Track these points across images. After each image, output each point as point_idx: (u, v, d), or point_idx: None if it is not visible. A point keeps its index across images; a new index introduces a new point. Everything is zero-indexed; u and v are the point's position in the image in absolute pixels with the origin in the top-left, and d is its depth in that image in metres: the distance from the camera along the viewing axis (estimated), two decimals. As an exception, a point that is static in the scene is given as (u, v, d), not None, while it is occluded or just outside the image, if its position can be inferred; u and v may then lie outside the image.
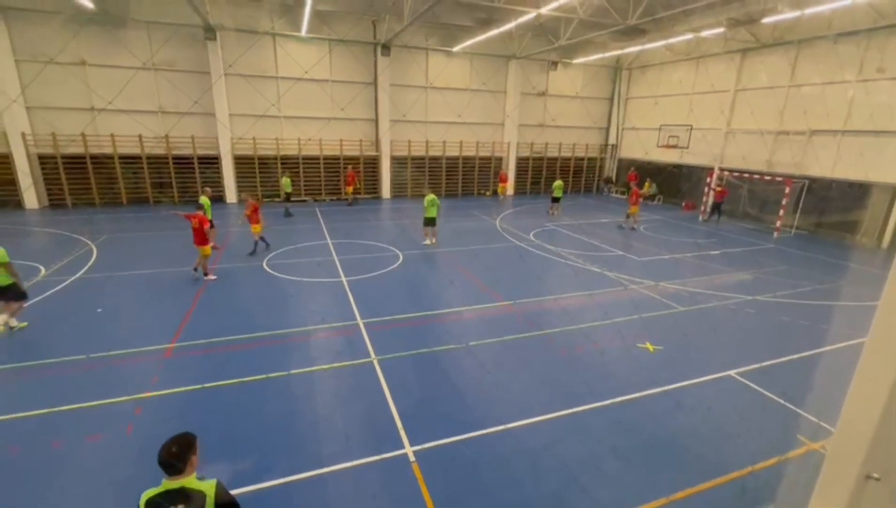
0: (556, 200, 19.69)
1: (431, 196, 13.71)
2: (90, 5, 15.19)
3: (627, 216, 17.26)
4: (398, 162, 22.97)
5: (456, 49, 21.24)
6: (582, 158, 27.11)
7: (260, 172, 20.57)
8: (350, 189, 20.64)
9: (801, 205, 17.46)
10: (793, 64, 17.84)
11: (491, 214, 19.73)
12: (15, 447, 5.01)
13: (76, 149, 17.89)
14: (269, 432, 5.41)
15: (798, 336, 8.46)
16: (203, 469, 2.85)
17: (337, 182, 21.99)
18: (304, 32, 18.90)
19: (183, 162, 19.41)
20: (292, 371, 6.69)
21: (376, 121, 21.89)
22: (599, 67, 25.71)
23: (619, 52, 21.52)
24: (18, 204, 17.52)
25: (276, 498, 4.42)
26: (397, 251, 13.17)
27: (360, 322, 8.41)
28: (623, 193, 26.63)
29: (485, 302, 9.66)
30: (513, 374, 6.93)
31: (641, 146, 25.92)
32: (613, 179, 27.73)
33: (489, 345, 7.75)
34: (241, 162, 20.25)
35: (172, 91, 18.64)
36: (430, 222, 13.77)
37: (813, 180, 17.30)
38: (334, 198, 22.04)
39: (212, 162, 19.80)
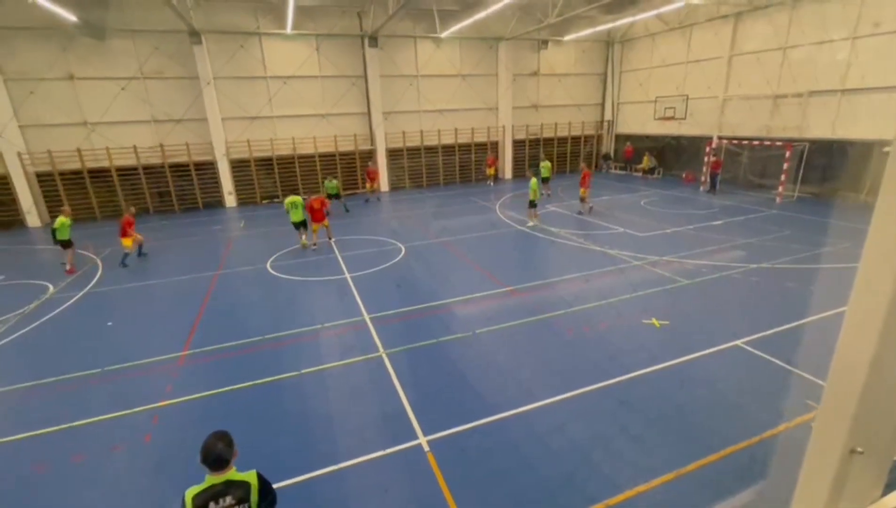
0: (545, 180, 19.53)
1: (293, 198, 12.91)
2: (72, 18, 15.06)
3: (581, 200, 16.20)
4: (394, 154, 22.87)
5: (444, 35, 20.95)
6: (578, 137, 26.85)
7: (257, 174, 20.55)
8: (370, 185, 20.69)
9: (802, 169, 17.28)
10: (787, 25, 17.50)
11: (490, 199, 19.68)
12: (40, 464, 5.14)
13: (73, 165, 17.93)
14: (284, 431, 5.52)
15: (804, 301, 8.46)
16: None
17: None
18: (289, 29, 18.70)
19: (180, 169, 19.42)
20: (303, 371, 6.79)
21: (369, 114, 21.75)
22: (591, 42, 25.31)
23: (609, 25, 21.13)
24: (21, 224, 17.64)
25: (295, 496, 4.53)
26: (399, 244, 13.20)
27: (367, 318, 8.49)
28: (622, 168, 26.44)
29: (488, 289, 9.70)
30: (520, 359, 7.00)
31: (638, 120, 25.64)
32: (612, 155, 27.50)
33: (495, 332, 7.81)
34: (238, 165, 20.23)
35: (163, 99, 18.57)
36: (301, 225, 13.05)
37: (813, 143, 17.09)
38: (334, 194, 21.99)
39: (208, 167, 19.80)
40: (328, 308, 9.03)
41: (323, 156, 21.47)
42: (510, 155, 25.27)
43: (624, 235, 13.38)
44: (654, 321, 7.88)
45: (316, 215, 12.90)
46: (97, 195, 18.48)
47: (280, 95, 20.18)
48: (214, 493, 2.72)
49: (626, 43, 25.60)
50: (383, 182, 22.84)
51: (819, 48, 16.66)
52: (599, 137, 27.64)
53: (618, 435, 5.21)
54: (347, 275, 10.84)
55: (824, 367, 1.50)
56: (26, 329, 8.58)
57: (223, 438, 2.78)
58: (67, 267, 11.79)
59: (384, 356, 7.13)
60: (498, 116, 24.53)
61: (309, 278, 10.76)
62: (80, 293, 10.32)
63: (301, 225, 13.08)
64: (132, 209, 12.75)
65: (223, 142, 19.55)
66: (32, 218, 17.76)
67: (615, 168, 27.11)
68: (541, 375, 6.51)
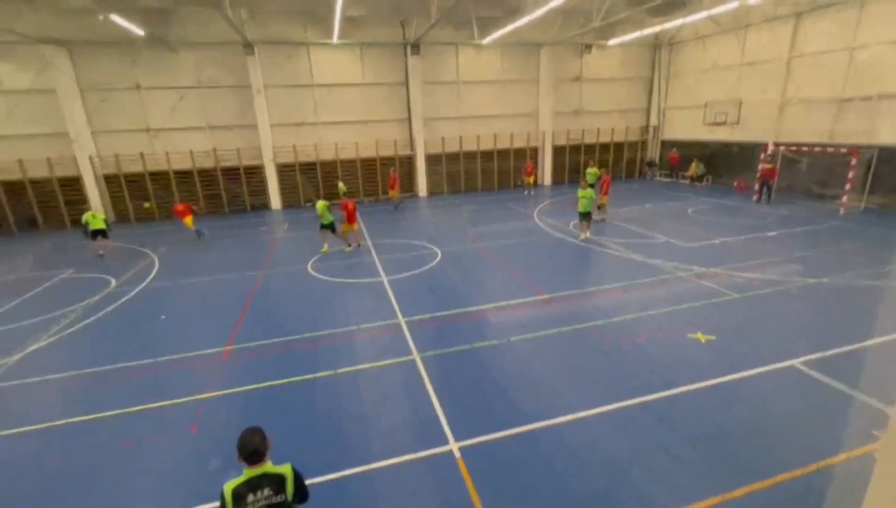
0: (591, 186, 18.97)
1: (322, 202, 13.27)
2: (140, 32, 16.28)
3: (599, 207, 15.45)
4: (433, 159, 23.10)
5: (485, 41, 21.01)
6: (622, 143, 26.10)
7: (301, 178, 21.31)
8: (393, 192, 20.45)
9: (870, 177, 15.98)
10: (855, 23, 16.30)
11: (528, 206, 19.46)
12: (95, 447, 5.51)
13: (136, 168, 19.28)
14: (318, 429, 5.65)
15: (869, 322, 7.80)
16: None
17: (374, 183, 22.42)
18: (335, 39, 19.34)
19: (230, 173, 20.46)
20: (339, 371, 6.94)
21: (409, 120, 22.10)
22: (637, 46, 24.60)
23: (657, 28, 20.45)
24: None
25: (326, 494, 4.61)
26: (435, 249, 13.28)
27: (402, 321, 8.57)
28: (668, 175, 25.45)
29: (525, 296, 9.56)
30: (556, 369, 6.84)
31: (685, 126, 24.63)
32: (657, 162, 26.54)
33: (531, 340, 7.69)
34: (283, 169, 21.07)
35: (217, 107, 19.68)
36: (326, 227, 13.29)
37: (883, 149, 15.78)
38: (372, 199, 22.49)
39: (256, 171, 20.74)
40: (365, 310, 9.20)
41: (364, 161, 21.99)
42: (550, 161, 24.92)
43: (668, 244, 12.85)
44: (699, 335, 7.50)
45: (350, 216, 13.37)
46: (156, 197, 19.77)
47: (324, 102, 20.89)
48: (252, 485, 2.83)
49: (674, 46, 24.72)
50: (422, 187, 23.10)
51: (891, 48, 15.41)
52: (644, 143, 26.75)
53: (656, 453, 4.98)
54: (384, 278, 11.01)
55: (890, 394, 1.37)
56: (90, 320, 9.27)
57: (258, 432, 2.89)
58: (101, 253, 13.90)
59: (418, 359, 7.17)
60: (538, 121, 24.28)
61: (347, 280, 11.02)
62: (138, 288, 11.04)
63: (329, 228, 13.32)
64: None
65: (271, 147, 20.44)
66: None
67: (660, 175, 26.13)
68: (577, 386, 6.34)
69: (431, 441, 5.29)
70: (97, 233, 13.68)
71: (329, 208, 13.24)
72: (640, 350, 7.20)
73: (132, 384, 6.85)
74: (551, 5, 14.97)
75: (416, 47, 20.84)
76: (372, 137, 21.90)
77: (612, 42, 22.81)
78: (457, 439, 5.31)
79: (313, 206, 18.28)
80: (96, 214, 13.97)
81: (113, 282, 11.53)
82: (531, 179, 22.39)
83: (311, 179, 21.50)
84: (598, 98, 25.07)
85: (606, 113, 25.43)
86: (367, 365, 7.10)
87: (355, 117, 21.46)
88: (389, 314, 8.90)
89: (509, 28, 18.55)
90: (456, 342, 7.68)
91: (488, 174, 24.22)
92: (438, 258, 12.43)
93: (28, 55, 17.31)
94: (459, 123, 23.08)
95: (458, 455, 5.07)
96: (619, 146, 26.08)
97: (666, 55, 25.06)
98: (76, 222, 18.71)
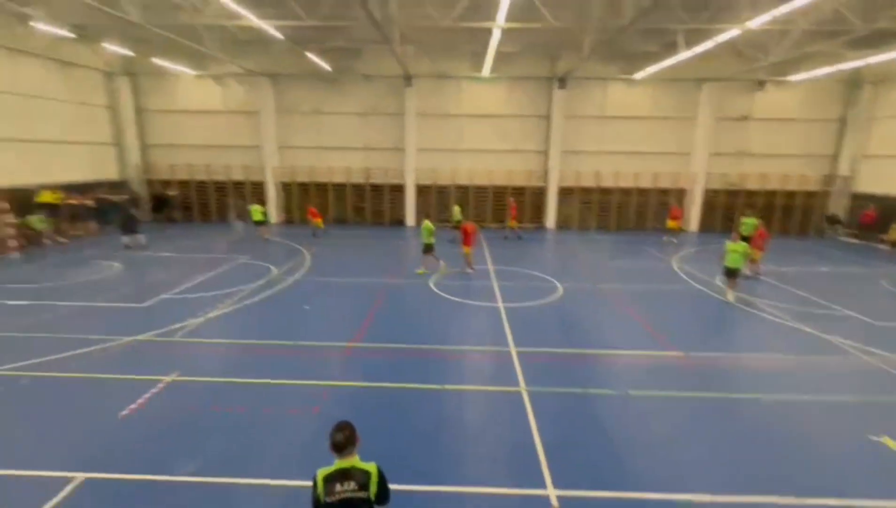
0: (744, 239, 16.52)
1: (428, 223, 13.60)
2: (328, 67, 19.44)
3: (751, 262, 13.34)
4: (565, 192, 22.64)
5: (638, 76, 20.13)
6: (794, 192, 22.29)
7: (437, 200, 22.74)
8: (513, 222, 20.04)
9: None
10: None
11: (667, 251, 17.73)
12: (241, 406, 6.50)
13: (303, 178, 22.75)
14: (417, 438, 5.82)
15: None
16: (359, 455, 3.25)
17: (503, 211, 22.80)
18: (485, 73, 20.48)
19: (376, 189, 22.82)
20: (446, 386, 7.10)
21: (546, 152, 22.11)
22: (826, 82, 21.03)
23: (857, 63, 17.26)
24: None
25: (408, 502, 4.71)
26: (556, 283, 12.88)
27: (513, 350, 8.45)
28: (857, 236, 20.89)
29: (651, 349, 8.67)
30: (680, 436, 6.01)
31: (891, 178, 20.03)
32: (841, 218, 21.99)
33: (653, 398, 6.91)
34: (421, 190, 22.74)
35: (374, 130, 22.28)
36: (427, 249, 13.64)
37: None
38: (499, 225, 22.86)
39: (398, 190, 22.76)
40: (477, 332, 9.31)
41: (496, 189, 22.55)
42: (699, 206, 22.45)
43: (850, 318, 10.47)
44: (886, 439, 5.89)
45: (467, 239, 13.56)
46: (316, 204, 22.97)
47: (466, 131, 22.13)
48: (341, 476, 3.03)
49: (879, 84, 20.52)
50: (550, 219, 22.74)
51: None
52: (825, 195, 22.44)
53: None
54: (500, 304, 11.03)
55: None
56: (253, 300, 11.06)
57: (348, 427, 3.11)
58: (266, 236, 18.25)
59: (524, 392, 6.97)
60: (690, 161, 22.17)
61: (465, 300, 11.30)
62: (291, 280, 12.85)
63: (429, 250, 13.64)
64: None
65: (413, 170, 22.29)
66: (274, 217, 23.07)
67: (845, 235, 21.58)
68: (704, 464, 5.47)
69: (528, 481, 5.06)
70: (258, 224, 18.42)
71: (433, 232, 13.60)
72: (799, 440, 5.94)
73: (275, 360, 7.94)
74: (720, 39, 13.76)
75: (562, 81, 20.93)
76: (506, 166, 22.42)
77: (796, 78, 19.88)
78: (556, 485, 4.98)
79: (456, 228, 19.31)
80: (257, 208, 18.51)
81: (274, 270, 13.63)
82: (675, 224, 19.75)
83: (442, 202, 22.78)
84: (768, 140, 21.94)
85: (778, 157, 22.07)
86: (472, 387, 7.14)
87: (493, 147, 22.26)
88: (501, 341, 8.85)
89: (667, 63, 17.51)
90: (567, 382, 7.28)
91: (625, 212, 22.80)
92: (559, 293, 12.02)
93: (245, 84, 21.90)
94: (598, 157, 22.31)
95: (555, 503, 4.75)
96: (789, 195, 22.31)
97: (869, 94, 20.92)
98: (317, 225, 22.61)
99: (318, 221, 19.74)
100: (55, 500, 4.64)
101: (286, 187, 23.00)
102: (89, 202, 19.28)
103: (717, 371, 7.87)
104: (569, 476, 5.13)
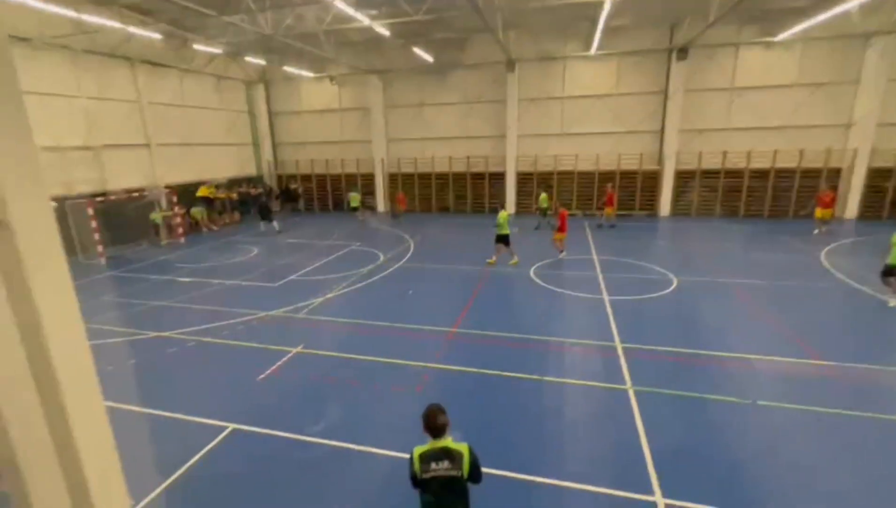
0: None
1: (504, 213, 13.20)
2: (430, 59, 19.96)
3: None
4: (684, 176, 20.47)
5: (779, 37, 17.24)
6: None
7: (537, 187, 22.19)
8: (609, 210, 18.77)
9: None
10: None
11: (813, 242, 15.11)
12: (354, 380, 7.15)
13: (409, 169, 23.82)
14: (515, 426, 5.85)
15: None
16: (453, 435, 3.38)
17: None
18: (593, 51, 19.26)
19: (477, 177, 23.01)
20: (545, 378, 7.00)
21: (661, 132, 20.16)
22: None
23: None
24: (373, 210, 24.68)
25: (502, 488, 4.76)
26: (671, 275, 11.80)
27: (619, 345, 7.99)
28: None
29: (787, 355, 7.53)
30: (822, 460, 5.18)
31: None
32: None
33: (787, 411, 6.02)
34: (522, 177, 22.36)
35: (474, 119, 22.39)
36: (501, 239, 13.12)
37: None
38: (602, 213, 21.55)
39: (499, 177, 22.66)
40: (580, 325, 8.97)
41: (603, 173, 21.24)
42: (860, 189, 18.68)
43: None
44: None
45: (562, 225, 13.59)
46: (420, 193, 23.97)
47: (571, 113, 21.12)
48: (435, 455, 3.20)
49: None
50: (664, 206, 20.80)
51: None
52: None
53: None
54: (605, 296, 10.46)
55: None
56: (363, 283, 12.00)
57: (441, 409, 3.26)
58: (362, 218, 20.99)
59: (631, 391, 6.57)
60: (849, 134, 18.50)
61: (566, 291, 10.94)
62: (397, 265, 13.64)
63: (503, 241, 13.12)
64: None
65: (514, 157, 21.98)
66: (382, 207, 24.61)
67: None
68: (859, 496, 4.65)
69: (633, 485, 4.79)
70: (354, 209, 21.66)
71: (508, 221, 13.17)
72: None
73: (383, 340, 8.55)
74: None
75: (683, 52, 18.80)
76: (615, 149, 20.96)
77: None
78: (665, 494, 4.65)
79: (543, 215, 18.89)
80: (355, 196, 21.82)
81: (381, 257, 14.60)
82: (828, 212, 16.09)
83: (548, 188, 22.14)
84: (968, 102, 17.34)
85: (983, 124, 17.35)
86: (574, 381, 6.93)
87: (600, 129, 20.94)
88: (606, 336, 8.42)
89: (822, 17, 14.69)
90: (680, 385, 6.69)
91: (757, 197, 19.92)
92: (673, 287, 11.01)
93: (356, 82, 23.52)
94: (725, 135, 19.71)
95: (663, 511, 4.44)
96: None
97: None
98: (370, 208, 24.38)
99: (402, 207, 21.98)
100: (214, 443, 5.63)
101: (392, 178, 24.33)
102: (234, 196, 22.57)
103: (876, 387, 6.57)
104: (681, 486, 4.75)
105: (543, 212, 19.00)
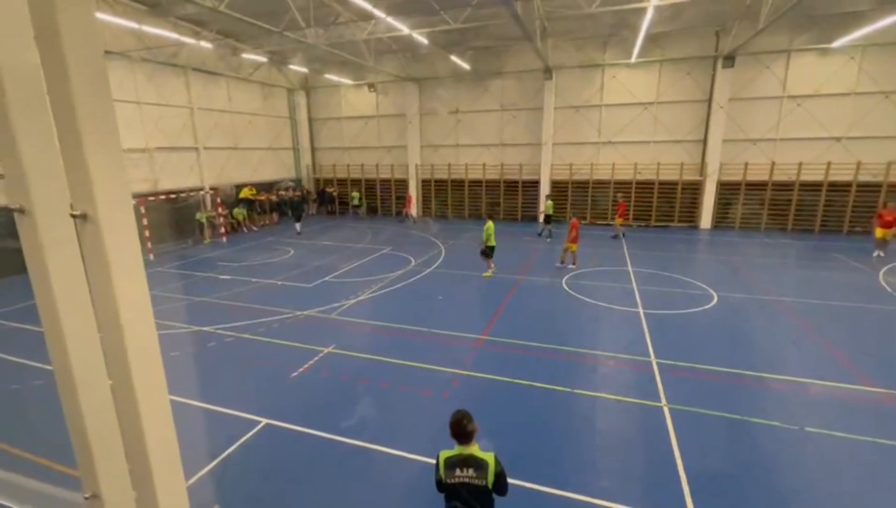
0: None
1: (491, 223, 12.82)
2: (467, 67, 20.12)
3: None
4: (727, 188, 19.67)
5: (836, 44, 16.38)
6: None
7: (572, 196, 21.86)
8: (619, 221, 18.38)
9: None
10: None
11: (869, 262, 14.15)
12: (385, 383, 7.23)
13: (442, 175, 24.00)
14: (545, 438, 5.75)
15: None
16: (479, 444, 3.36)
17: (648, 208, 20.87)
18: (633, 59, 18.88)
19: (511, 186, 22.91)
20: (576, 390, 6.85)
21: (704, 141, 19.48)
22: None
23: None
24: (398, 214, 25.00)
25: (540, 503, 4.66)
26: (711, 291, 11.34)
27: (654, 361, 7.73)
28: None
29: (839, 380, 7.07)
30: (878, 493, 4.81)
31: None
32: None
33: (840, 440, 5.64)
34: (557, 185, 22.07)
35: (511, 127, 22.33)
36: (489, 250, 12.81)
37: None
38: (642, 224, 20.98)
39: (533, 186, 22.48)
40: (613, 338, 8.74)
41: (641, 183, 20.71)
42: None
43: None
44: None
45: (575, 236, 13.21)
46: (452, 200, 24.09)
47: (609, 122, 20.73)
48: (460, 461, 3.19)
49: None
50: (706, 218, 20.03)
51: None
52: None
53: None
54: (641, 310, 10.15)
55: None
56: (393, 287, 12.13)
57: (467, 416, 3.24)
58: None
59: (666, 409, 6.33)
60: (913, 147, 17.27)
61: (600, 303, 10.69)
62: (428, 271, 13.73)
63: (489, 253, 12.80)
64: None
65: (549, 164, 21.75)
66: (415, 212, 24.91)
67: None
68: (918, 535, 4.29)
69: (667, 506, 4.61)
70: (357, 207, 24.66)
71: (494, 233, 12.76)
72: None
73: (413, 344, 8.61)
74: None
75: (729, 59, 18.15)
76: (656, 159, 20.40)
77: None
78: (701, 518, 4.45)
79: (547, 222, 18.53)
80: (355, 194, 24.50)
81: (413, 261, 14.73)
82: (889, 233, 14.15)
83: (585, 198, 21.77)
84: None
85: None
86: (606, 395, 6.75)
87: (641, 138, 20.44)
88: (641, 350, 8.17)
89: (887, 22, 13.85)
90: (719, 405, 6.39)
91: (807, 210, 18.89)
92: (713, 303, 10.57)
93: (394, 89, 23.97)
94: (773, 145, 18.83)
95: (699, 537, 4.25)
96: None
97: None
98: (398, 213, 24.75)
99: (410, 210, 23.10)
100: (248, 436, 5.82)
101: (426, 184, 24.57)
102: (273, 197, 23.41)
103: (943, 420, 6.06)
104: (718, 511, 4.53)
105: (548, 219, 18.75)
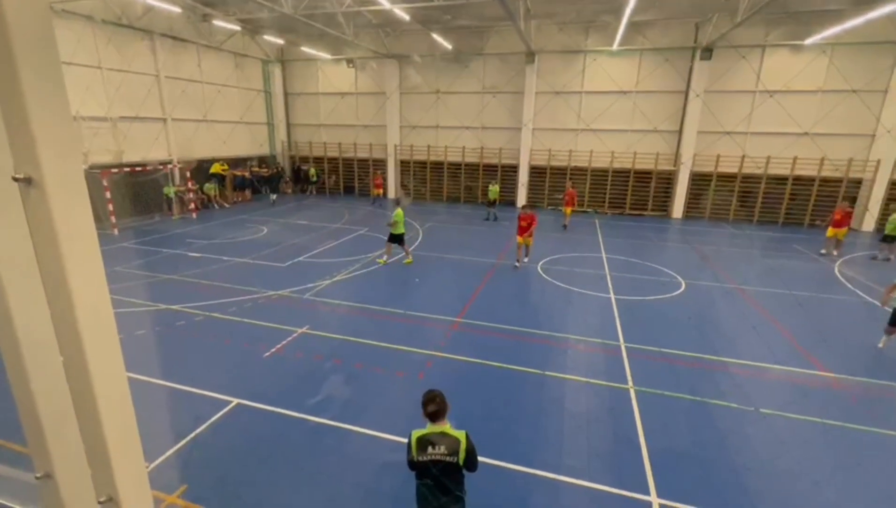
0: (890, 239, 13.15)
1: (400, 211, 12.24)
2: (449, 47, 19.75)
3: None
4: (699, 179, 20.19)
5: (809, 41, 16.81)
6: None
7: (549, 181, 22.02)
8: (568, 209, 17.34)
9: None
10: None
11: (829, 253, 14.87)
12: (358, 363, 7.22)
13: (421, 156, 23.73)
14: (515, 418, 5.89)
15: None
16: (452, 423, 3.41)
17: (623, 196, 21.24)
18: (615, 46, 18.92)
19: (489, 169, 22.87)
20: (547, 372, 7.02)
21: (680, 131, 19.85)
22: None
23: None
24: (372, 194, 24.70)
25: (500, 478, 4.80)
26: (679, 278, 11.71)
27: (623, 345, 7.98)
28: None
29: (793, 365, 7.47)
30: (826, 472, 5.16)
31: None
32: None
33: (791, 421, 5.99)
34: (535, 171, 22.17)
35: (491, 109, 22.17)
36: (395, 238, 12.29)
37: None
38: (618, 212, 21.37)
39: (512, 170, 22.50)
40: (585, 323, 8.95)
41: (617, 172, 21.02)
42: (882, 198, 18.28)
43: None
44: None
45: (521, 229, 12.16)
46: (431, 182, 23.89)
47: (589, 109, 20.83)
48: (432, 439, 3.25)
49: None
50: (678, 208, 20.55)
51: None
52: None
53: None
54: (612, 295, 10.42)
55: None
56: (369, 269, 12.04)
57: (440, 395, 3.32)
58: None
59: (632, 391, 6.57)
60: (873, 144, 18.08)
61: (573, 288, 10.90)
62: (404, 253, 13.65)
63: (398, 240, 12.33)
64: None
65: (528, 149, 21.78)
66: (389, 193, 24.62)
67: None
68: (855, 505, 4.63)
69: (629, 484, 4.82)
70: (313, 183, 24.76)
71: (405, 221, 12.36)
72: None
73: (388, 326, 8.61)
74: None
75: (707, 51, 18.41)
76: (632, 148, 20.68)
77: None
78: (660, 494, 4.67)
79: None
80: (313, 171, 24.38)
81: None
82: (842, 232, 14.23)
83: (557, 186, 21.97)
84: None
85: None
86: (576, 377, 6.94)
87: (619, 126, 20.65)
88: (610, 334, 8.41)
89: (857, 21, 14.28)
90: (683, 388, 6.68)
91: (772, 204, 19.61)
92: (681, 290, 10.94)
93: (372, 67, 23.35)
94: (745, 139, 19.35)
95: (658, 511, 4.47)
96: None
97: None
98: (367, 195, 24.44)
99: (380, 191, 22.49)
100: (218, 415, 5.74)
101: (404, 165, 24.26)
102: (247, 173, 22.68)
103: (882, 401, 6.51)
104: (676, 487, 4.77)
105: (491, 203, 19.07)
